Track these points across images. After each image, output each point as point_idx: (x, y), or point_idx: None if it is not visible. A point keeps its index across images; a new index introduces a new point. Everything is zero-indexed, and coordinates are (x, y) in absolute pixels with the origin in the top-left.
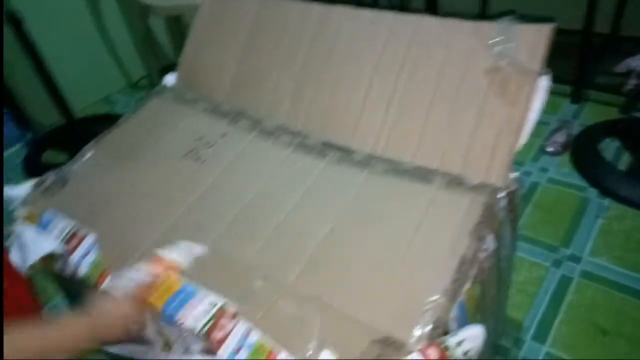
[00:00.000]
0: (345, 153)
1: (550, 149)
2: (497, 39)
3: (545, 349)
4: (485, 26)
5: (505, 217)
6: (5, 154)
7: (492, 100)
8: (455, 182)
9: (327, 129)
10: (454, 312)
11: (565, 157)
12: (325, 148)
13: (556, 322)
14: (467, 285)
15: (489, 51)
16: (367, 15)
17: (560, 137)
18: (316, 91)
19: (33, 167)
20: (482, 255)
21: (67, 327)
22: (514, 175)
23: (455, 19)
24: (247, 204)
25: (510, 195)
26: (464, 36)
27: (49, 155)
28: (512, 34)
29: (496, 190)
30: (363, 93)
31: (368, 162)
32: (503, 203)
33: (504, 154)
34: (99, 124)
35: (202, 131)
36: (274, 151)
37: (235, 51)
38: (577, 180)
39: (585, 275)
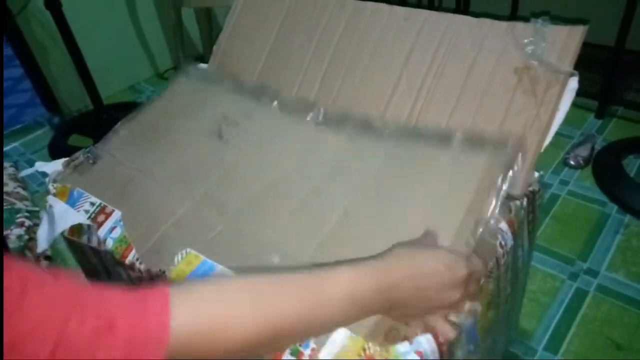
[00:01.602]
0: (367, 129)
1: (572, 162)
2: (530, 39)
3: (556, 359)
4: (519, 26)
5: (525, 217)
6: (32, 136)
7: (519, 99)
8: (474, 141)
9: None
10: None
11: (587, 171)
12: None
13: (569, 334)
14: (481, 280)
15: (520, 51)
16: (400, 11)
17: (583, 151)
18: (343, 84)
19: (58, 151)
20: (499, 250)
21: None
22: (535, 175)
23: (489, 18)
24: (269, 182)
25: (531, 196)
26: (497, 35)
27: (74, 140)
28: (544, 34)
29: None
30: (391, 89)
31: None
32: (524, 203)
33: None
34: (124, 111)
35: (227, 111)
36: (298, 132)
37: (267, 41)
38: (597, 194)
39: (602, 289)
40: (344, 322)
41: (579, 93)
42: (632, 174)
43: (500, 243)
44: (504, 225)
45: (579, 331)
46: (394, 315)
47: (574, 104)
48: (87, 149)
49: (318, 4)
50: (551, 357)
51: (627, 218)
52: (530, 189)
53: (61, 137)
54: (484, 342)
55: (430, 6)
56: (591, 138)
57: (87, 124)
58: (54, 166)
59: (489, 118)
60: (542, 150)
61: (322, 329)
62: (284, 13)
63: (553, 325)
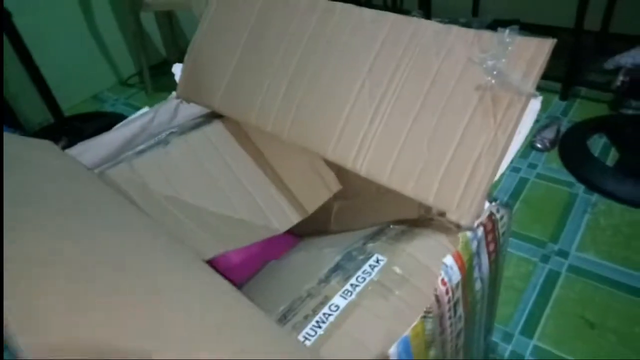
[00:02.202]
0: None
1: (539, 145)
2: (494, 52)
3: (533, 343)
4: (485, 36)
5: (481, 248)
6: None
7: (477, 119)
8: None
9: (310, 139)
10: (393, 349)
11: (554, 154)
12: None
13: (544, 317)
14: (414, 322)
15: (484, 64)
16: (368, 14)
17: (549, 134)
18: (306, 95)
19: None
20: (441, 287)
21: None
22: (489, 204)
23: (456, 25)
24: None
25: (490, 225)
26: (463, 45)
27: None
28: (511, 46)
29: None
30: (352, 99)
31: None
32: (479, 233)
33: (480, 181)
34: (88, 121)
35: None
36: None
37: (236, 51)
38: (565, 176)
39: (573, 270)
40: None
41: (543, 76)
42: (596, 153)
43: (443, 279)
44: (449, 259)
45: (553, 313)
46: None
47: (539, 88)
48: None
49: (288, 7)
50: (527, 341)
51: (595, 197)
52: (483, 219)
53: None
54: None
55: (393, 7)
56: (556, 120)
57: (51, 137)
58: None
59: (443, 143)
60: (496, 178)
61: None
62: (255, 18)
63: (528, 309)
